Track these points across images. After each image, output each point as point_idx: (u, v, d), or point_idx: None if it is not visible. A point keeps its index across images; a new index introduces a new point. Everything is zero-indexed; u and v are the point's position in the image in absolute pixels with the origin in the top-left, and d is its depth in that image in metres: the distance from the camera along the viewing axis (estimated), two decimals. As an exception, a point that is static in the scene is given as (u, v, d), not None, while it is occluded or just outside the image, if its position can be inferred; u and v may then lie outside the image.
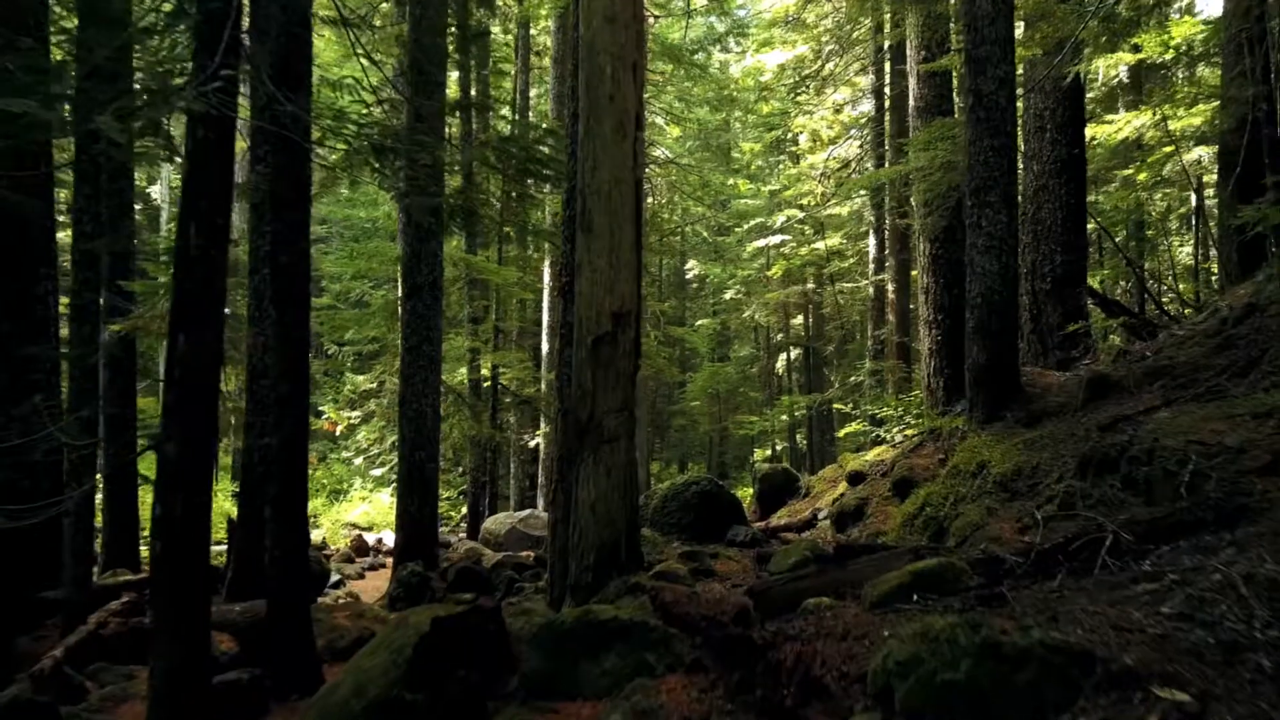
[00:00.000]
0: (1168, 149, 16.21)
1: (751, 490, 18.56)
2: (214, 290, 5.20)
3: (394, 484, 15.47)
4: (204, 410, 5.20)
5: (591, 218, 6.16)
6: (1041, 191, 11.15)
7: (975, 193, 8.13)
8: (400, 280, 10.93)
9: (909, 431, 12.12)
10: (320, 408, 32.06)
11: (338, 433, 30.40)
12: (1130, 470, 5.02)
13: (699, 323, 32.02)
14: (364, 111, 6.22)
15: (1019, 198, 8.77)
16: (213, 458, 5.33)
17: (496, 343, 17.95)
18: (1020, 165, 10.72)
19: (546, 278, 18.42)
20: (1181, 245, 22.73)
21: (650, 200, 25.71)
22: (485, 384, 18.32)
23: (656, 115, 29.50)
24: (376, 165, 6.44)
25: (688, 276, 35.74)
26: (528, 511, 15.94)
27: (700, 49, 27.12)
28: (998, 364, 8.12)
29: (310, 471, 34.12)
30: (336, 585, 14.29)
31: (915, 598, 3.67)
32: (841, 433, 17.18)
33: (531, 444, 20.07)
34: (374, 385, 20.72)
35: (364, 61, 6.03)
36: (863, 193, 21.80)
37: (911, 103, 12.12)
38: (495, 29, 26.14)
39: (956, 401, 10.68)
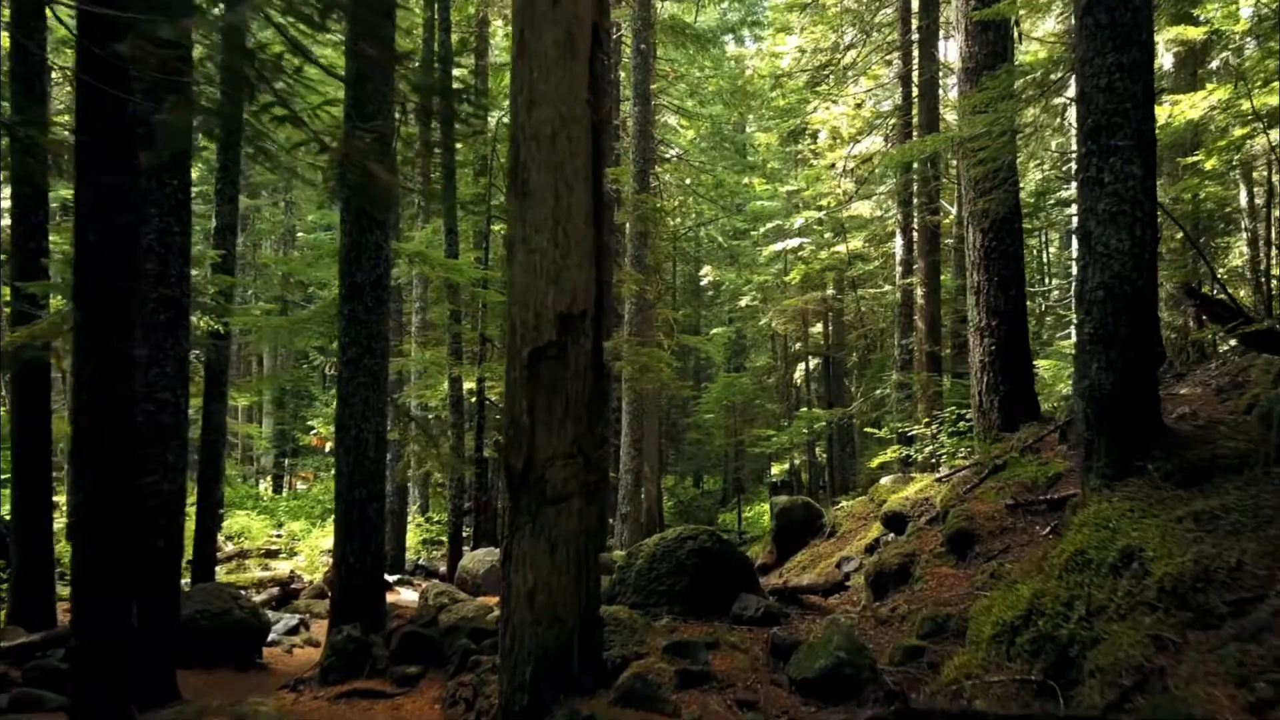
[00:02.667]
0: (1239, 131, 14.37)
1: (767, 507, 16.56)
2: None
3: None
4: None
5: (527, 174, 4.22)
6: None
7: (1093, 134, 5.58)
8: (339, 279, 9.02)
9: (956, 461, 10.10)
10: (310, 423, 30.33)
11: (327, 449, 28.63)
12: None
13: (713, 331, 30.37)
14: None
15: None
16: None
17: (482, 353, 16.00)
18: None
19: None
20: (1232, 244, 20.81)
21: (661, 202, 23.85)
22: (472, 399, 16.41)
23: (669, 114, 27.75)
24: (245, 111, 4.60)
25: (702, 283, 34.10)
26: (511, 547, 13.98)
27: (713, 38, 25.35)
28: (1130, 389, 5.49)
29: (306, 489, 32.54)
30: (295, 630, 12.47)
31: None
32: (874, 463, 15.17)
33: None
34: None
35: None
36: (886, 188, 20.04)
37: (959, 64, 10.12)
38: (497, 22, 24.38)
39: (1021, 424, 8.73)
